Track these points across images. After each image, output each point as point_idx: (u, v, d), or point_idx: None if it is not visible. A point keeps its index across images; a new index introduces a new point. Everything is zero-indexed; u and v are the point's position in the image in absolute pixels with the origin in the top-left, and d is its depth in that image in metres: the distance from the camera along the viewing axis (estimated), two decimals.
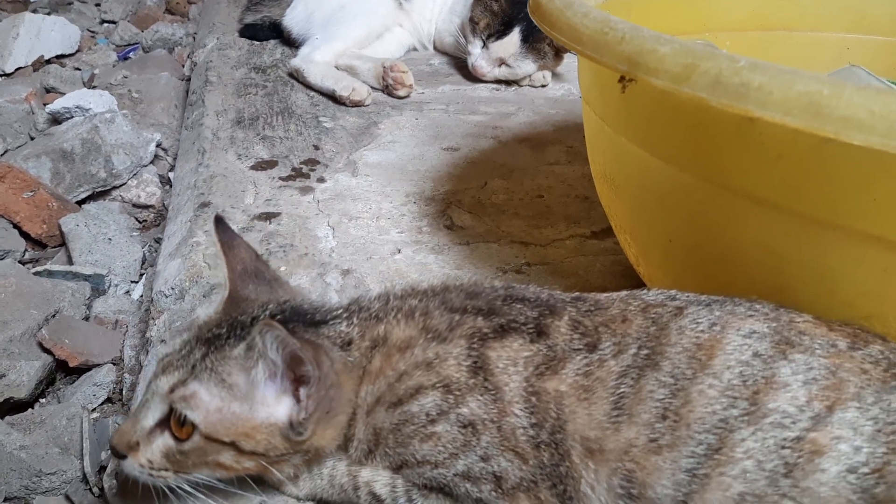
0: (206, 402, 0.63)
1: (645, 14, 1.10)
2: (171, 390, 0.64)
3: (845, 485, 0.53)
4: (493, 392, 0.61)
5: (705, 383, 0.58)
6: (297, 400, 0.64)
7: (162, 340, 0.92)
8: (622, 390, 0.59)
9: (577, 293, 0.69)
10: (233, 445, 0.63)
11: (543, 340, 0.63)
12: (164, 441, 0.64)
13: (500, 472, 0.60)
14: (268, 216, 1.16)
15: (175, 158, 2.10)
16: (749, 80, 0.56)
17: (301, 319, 0.67)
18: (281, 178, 1.30)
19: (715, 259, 0.72)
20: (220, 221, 0.74)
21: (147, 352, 0.98)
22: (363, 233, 1.13)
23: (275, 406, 0.64)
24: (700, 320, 0.62)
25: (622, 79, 0.67)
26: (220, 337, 0.66)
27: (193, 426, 0.63)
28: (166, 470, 0.65)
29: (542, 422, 0.60)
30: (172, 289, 1.01)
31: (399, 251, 1.09)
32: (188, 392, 0.63)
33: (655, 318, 0.63)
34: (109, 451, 1.16)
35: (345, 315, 0.69)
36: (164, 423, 0.64)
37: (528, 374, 0.62)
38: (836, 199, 0.60)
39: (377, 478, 0.65)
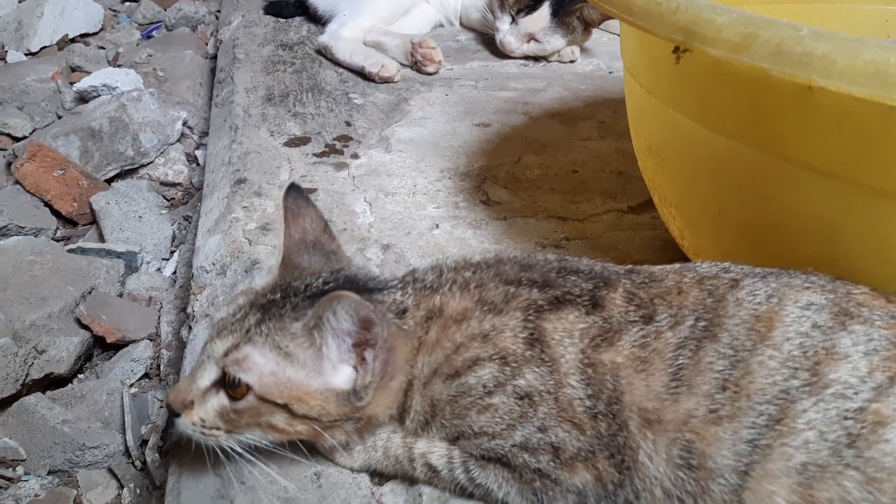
0: (261, 366, 0.64)
1: None
2: (225, 354, 0.65)
3: None
4: (549, 364, 0.61)
5: (765, 354, 0.58)
6: (362, 363, 0.64)
7: (206, 315, 0.93)
8: (680, 361, 0.59)
9: (630, 265, 0.68)
10: (286, 408, 0.64)
11: (599, 312, 0.63)
12: (219, 400, 0.65)
13: (558, 443, 0.61)
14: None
15: (201, 136, 2.11)
16: (812, 48, 0.55)
17: (355, 287, 0.67)
18: (315, 155, 1.30)
19: (768, 230, 0.71)
20: (293, 188, 0.75)
21: (189, 327, 0.98)
22: (400, 208, 1.14)
23: (333, 374, 0.64)
24: (757, 292, 0.61)
25: (676, 49, 0.67)
26: (274, 303, 0.66)
27: (248, 387, 0.64)
28: (218, 429, 0.66)
29: (598, 393, 0.61)
30: (213, 264, 1.02)
31: (437, 226, 1.09)
32: (241, 355, 0.64)
33: (711, 289, 0.63)
34: (150, 426, 1.18)
35: (399, 285, 0.69)
36: (218, 384, 0.66)
37: (584, 346, 0.62)
38: None
39: (433, 449, 0.65)
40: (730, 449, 0.57)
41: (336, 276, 0.68)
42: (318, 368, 0.64)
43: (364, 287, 0.68)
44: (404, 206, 1.14)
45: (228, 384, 0.65)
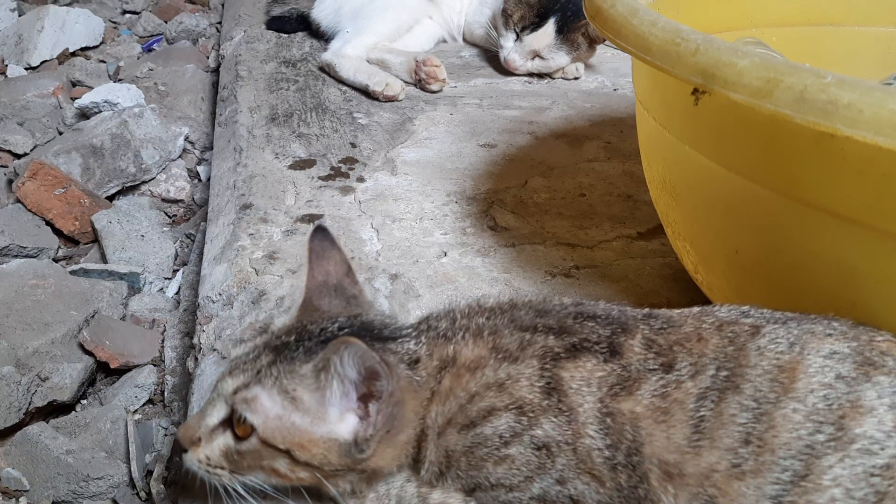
0: (267, 408, 0.63)
1: (693, 10, 1.08)
2: (235, 392, 0.64)
3: None
4: (567, 413, 0.60)
5: (789, 407, 0.56)
6: (366, 416, 0.63)
7: (213, 349, 0.92)
8: (702, 413, 0.58)
9: (647, 309, 0.67)
10: (288, 454, 0.63)
11: (617, 360, 0.62)
12: (225, 440, 0.65)
13: (577, 496, 0.60)
14: (310, 218, 1.15)
15: (203, 151, 2.10)
16: (837, 97, 0.54)
17: (369, 334, 0.66)
18: (320, 178, 1.29)
19: (785, 271, 0.70)
20: (320, 230, 0.74)
21: (196, 359, 0.97)
22: (407, 234, 1.13)
23: (337, 423, 0.64)
24: (779, 340, 0.60)
25: (695, 91, 0.66)
26: (287, 346, 0.66)
27: (252, 428, 0.63)
28: (222, 468, 0.65)
29: (617, 443, 0.59)
30: (220, 294, 1.00)
31: (445, 254, 1.08)
32: (250, 395, 0.64)
33: (732, 336, 0.62)
34: (154, 455, 1.17)
35: (413, 334, 0.68)
36: (226, 423, 0.65)
37: (602, 395, 0.61)
38: None
39: (449, 500, 0.64)
40: None
41: (352, 322, 0.68)
42: (322, 415, 0.63)
43: (378, 335, 0.67)
44: (412, 232, 1.13)
45: (236, 423, 0.64)
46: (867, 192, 0.60)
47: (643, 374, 0.61)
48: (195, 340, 1.01)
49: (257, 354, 0.66)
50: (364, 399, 0.63)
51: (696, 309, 0.66)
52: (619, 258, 1.08)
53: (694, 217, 0.80)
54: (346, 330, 0.66)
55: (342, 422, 0.64)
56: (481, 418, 0.62)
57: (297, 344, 0.66)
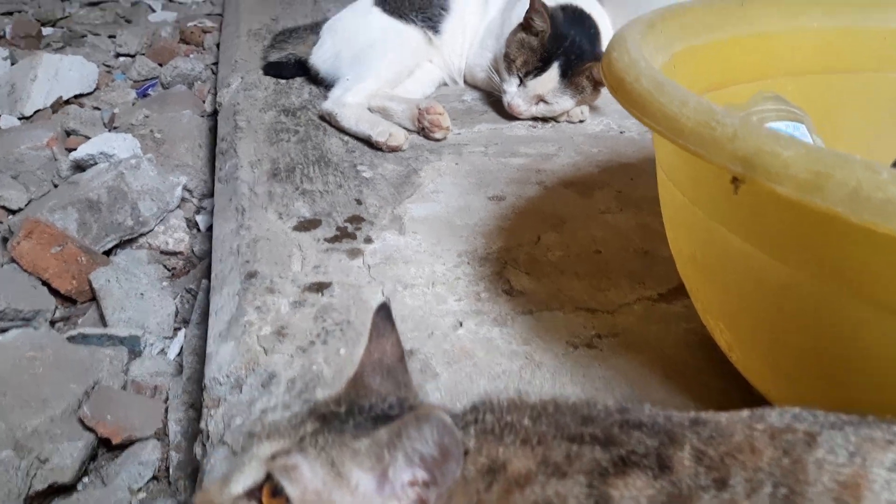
0: (307, 480, 0.57)
1: (709, 62, 1.05)
2: (273, 457, 0.58)
3: None
4: None
5: None
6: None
7: (223, 442, 0.87)
8: None
9: (694, 414, 0.63)
10: None
11: (667, 476, 0.57)
12: None
13: None
14: (319, 286, 1.11)
15: (201, 199, 2.06)
16: (895, 195, 0.50)
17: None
18: (326, 240, 1.25)
19: (833, 362, 0.66)
20: (384, 308, 0.70)
21: (203, 445, 0.93)
22: (420, 302, 1.08)
23: None
24: (837, 450, 0.56)
25: (735, 179, 0.62)
26: (337, 416, 0.61)
27: (287, 500, 0.57)
28: None
29: None
30: (227, 376, 0.96)
31: (461, 324, 1.04)
32: (290, 463, 0.58)
33: (787, 447, 0.57)
34: None
35: (461, 424, 0.63)
36: (254, 493, 0.59)
37: None
38: None
39: None
40: None
41: (402, 405, 0.63)
42: (369, 498, 0.58)
43: None
44: (424, 299, 1.09)
45: (267, 492, 0.58)
46: None
47: (695, 492, 0.56)
48: (202, 425, 0.96)
49: (301, 421, 0.61)
50: (423, 484, 0.57)
51: (745, 413, 0.62)
52: (641, 324, 1.04)
53: (729, 298, 0.76)
54: (395, 410, 0.62)
55: None
56: None
57: (348, 416, 0.61)
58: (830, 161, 0.54)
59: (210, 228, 1.91)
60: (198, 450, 0.95)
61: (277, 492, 0.57)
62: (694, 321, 0.99)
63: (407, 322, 1.04)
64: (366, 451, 0.58)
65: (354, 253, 1.21)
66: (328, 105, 1.70)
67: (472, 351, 0.98)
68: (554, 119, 1.75)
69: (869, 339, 0.62)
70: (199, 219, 1.99)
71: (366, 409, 0.62)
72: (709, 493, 0.56)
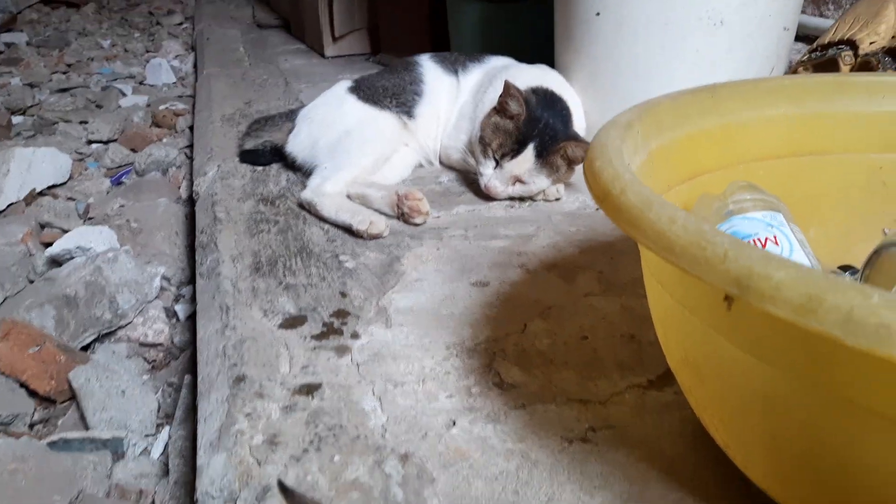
0: None
1: (683, 153, 1.09)
2: None
3: None
4: None
5: None
6: None
7: None
8: None
9: None
10: None
11: None
12: None
13: None
14: (308, 389, 1.11)
15: (179, 287, 2.05)
16: (889, 321, 0.52)
17: None
18: (313, 337, 1.24)
19: (830, 468, 0.67)
20: (286, 490, 0.67)
21: None
22: (411, 402, 1.08)
23: None
24: None
25: (727, 297, 0.63)
26: None
27: None
28: None
29: None
30: (221, 490, 0.94)
31: (454, 423, 1.03)
32: None
33: None
34: None
35: None
36: None
37: None
38: None
39: None
40: None
41: None
42: None
43: None
44: (416, 398, 1.09)
45: None
46: None
47: None
48: None
49: None
50: None
51: None
52: (634, 414, 1.04)
53: (723, 400, 0.77)
54: None
55: None
56: None
57: None
58: (822, 284, 0.56)
59: (189, 317, 1.89)
60: None
61: None
62: (686, 409, 1.00)
63: (400, 423, 1.03)
64: None
65: (342, 350, 1.20)
66: (307, 194, 1.71)
67: (467, 452, 0.98)
68: (531, 198, 1.78)
69: (865, 449, 0.63)
70: (179, 308, 1.97)
71: None
72: None
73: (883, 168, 1.23)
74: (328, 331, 1.26)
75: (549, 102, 1.73)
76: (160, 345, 1.88)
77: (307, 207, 1.72)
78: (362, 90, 1.92)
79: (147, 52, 4.49)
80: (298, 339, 1.24)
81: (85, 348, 1.79)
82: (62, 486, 1.27)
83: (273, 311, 1.33)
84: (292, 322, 1.29)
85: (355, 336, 1.25)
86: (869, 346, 0.52)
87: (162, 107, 3.18)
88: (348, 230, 1.62)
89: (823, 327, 0.55)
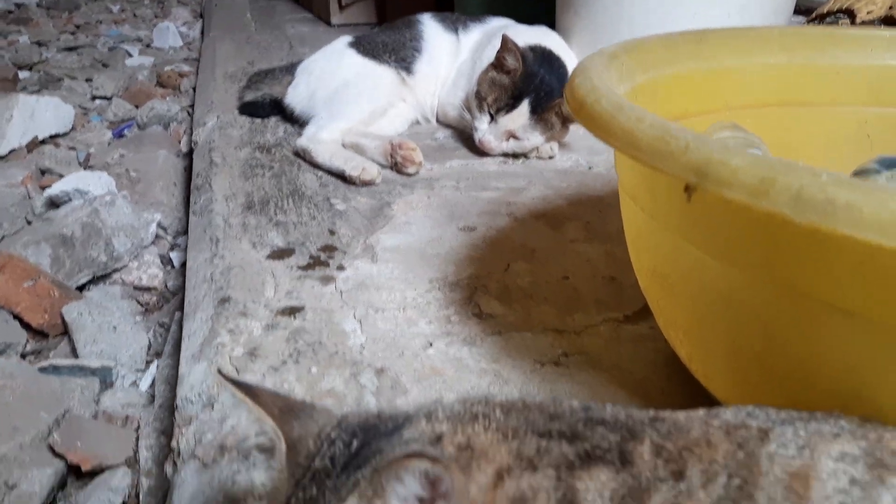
0: None
1: (669, 93, 1.10)
2: None
3: None
4: None
5: None
6: None
7: (194, 456, 0.88)
8: None
9: (653, 412, 0.65)
10: None
11: (628, 469, 0.59)
12: None
13: None
14: (291, 311, 1.13)
15: (175, 237, 2.07)
16: (835, 196, 0.54)
17: (376, 434, 0.61)
18: (300, 268, 1.26)
19: (787, 364, 0.69)
20: (229, 378, 0.68)
21: (175, 464, 0.93)
22: (391, 326, 1.10)
23: None
24: (788, 444, 0.59)
25: (688, 187, 0.65)
26: (313, 499, 0.58)
27: None
28: None
29: None
30: (199, 395, 0.97)
31: (431, 345, 1.06)
32: None
33: (741, 442, 0.60)
34: None
35: (423, 414, 0.64)
36: None
37: None
38: None
39: None
40: None
41: (350, 431, 0.63)
42: None
43: (386, 430, 0.62)
44: (395, 323, 1.11)
45: None
46: (867, 285, 0.60)
47: (654, 484, 0.58)
48: (174, 443, 0.97)
49: None
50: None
51: (701, 412, 0.64)
52: (607, 343, 1.06)
53: (688, 308, 0.79)
54: (355, 444, 0.61)
55: None
56: None
57: (321, 490, 0.58)
58: (775, 167, 0.58)
59: (184, 265, 1.91)
60: (168, 469, 0.95)
61: None
62: (659, 340, 1.02)
63: (378, 343, 1.06)
64: None
65: (327, 279, 1.23)
66: (303, 141, 1.73)
67: (441, 369, 1.00)
68: (524, 155, 1.79)
69: (819, 339, 0.65)
70: (174, 255, 2.00)
71: (331, 469, 0.59)
72: (667, 485, 0.58)
73: (868, 122, 1.24)
74: (314, 262, 1.29)
75: (546, 60, 1.75)
76: (154, 289, 1.90)
77: (302, 154, 1.74)
78: (362, 45, 1.94)
79: (156, 17, 4.52)
80: (285, 269, 1.26)
81: (80, 289, 1.81)
82: (49, 404, 1.29)
83: (262, 244, 1.35)
84: (280, 254, 1.31)
85: (341, 268, 1.27)
86: (815, 221, 0.54)
87: (167, 67, 3.20)
88: (341, 176, 1.64)
89: (775, 207, 0.56)
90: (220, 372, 0.69)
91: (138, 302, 1.88)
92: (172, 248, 2.04)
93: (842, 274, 0.60)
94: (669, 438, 0.61)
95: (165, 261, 1.97)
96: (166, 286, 1.89)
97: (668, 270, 0.80)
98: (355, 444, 0.61)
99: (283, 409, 0.66)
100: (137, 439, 1.32)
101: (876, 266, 0.58)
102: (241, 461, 0.84)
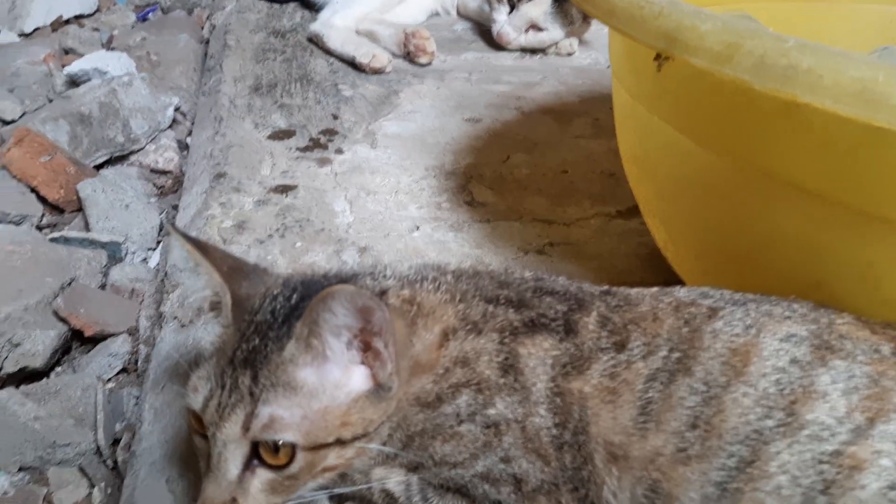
0: (288, 417, 0.57)
1: None
2: (245, 429, 0.57)
3: (886, 503, 0.49)
4: (520, 392, 0.58)
5: (739, 391, 0.54)
6: (377, 356, 0.59)
7: (175, 317, 0.90)
8: (650, 395, 0.56)
9: (606, 286, 0.65)
10: (337, 442, 0.58)
11: (571, 339, 0.59)
12: (262, 477, 0.58)
13: (521, 475, 0.58)
14: (284, 189, 1.13)
15: (193, 123, 2.07)
16: (797, 62, 0.52)
17: (318, 287, 0.60)
18: (298, 149, 1.26)
19: (751, 249, 0.68)
20: (182, 234, 0.69)
21: (160, 326, 0.96)
22: (381, 208, 1.10)
23: (350, 379, 0.59)
24: (735, 322, 0.58)
25: (658, 56, 0.63)
26: (256, 349, 0.60)
27: (292, 447, 0.57)
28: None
29: (565, 423, 0.57)
30: (186, 262, 0.99)
31: (417, 228, 1.06)
32: (265, 420, 0.57)
33: (688, 318, 0.59)
34: (124, 424, 1.15)
35: (368, 272, 0.65)
36: (249, 464, 0.58)
37: (555, 374, 0.58)
38: (885, 191, 0.56)
39: (390, 475, 0.62)
40: (697, 492, 0.53)
41: (291, 286, 0.64)
42: (334, 381, 0.59)
43: (326, 285, 0.62)
44: (385, 206, 1.11)
45: (265, 455, 0.58)
46: (832, 165, 0.58)
47: (595, 354, 0.59)
48: (162, 308, 1.00)
49: (233, 382, 0.59)
50: (364, 342, 0.59)
51: (655, 289, 0.64)
52: (595, 236, 1.05)
53: (662, 191, 0.78)
54: (294, 297, 0.62)
55: (353, 375, 0.59)
56: (448, 396, 0.59)
57: (263, 341, 0.60)
58: (742, 32, 0.55)
59: None
60: (156, 332, 0.98)
61: (276, 449, 0.57)
62: (646, 235, 1.00)
63: (366, 223, 1.06)
64: (297, 350, 0.58)
65: (324, 161, 1.22)
66: (316, 26, 1.70)
67: (424, 251, 1.00)
68: (542, 51, 1.74)
69: (782, 221, 0.64)
70: (190, 141, 2.00)
71: (272, 320, 0.61)
72: (607, 355, 0.58)
73: (894, 22, 1.18)
74: (314, 145, 1.28)
75: None
76: (169, 172, 1.91)
77: (315, 40, 1.71)
78: None
79: None
80: (283, 150, 1.26)
81: (97, 168, 1.82)
82: (56, 271, 1.32)
83: (264, 125, 1.35)
84: (280, 135, 1.31)
85: (339, 152, 1.27)
86: (776, 88, 0.52)
87: None
88: (351, 63, 1.61)
89: (737, 73, 0.54)
90: (173, 226, 0.70)
91: (154, 184, 1.89)
92: (190, 133, 2.04)
93: (801, 151, 0.58)
94: (617, 311, 0.61)
95: (182, 146, 1.98)
96: (181, 170, 1.91)
97: (645, 153, 0.78)
98: (295, 297, 0.62)
99: (233, 268, 0.67)
100: (140, 310, 1.35)
101: (839, 142, 0.56)
102: (215, 322, 0.86)
